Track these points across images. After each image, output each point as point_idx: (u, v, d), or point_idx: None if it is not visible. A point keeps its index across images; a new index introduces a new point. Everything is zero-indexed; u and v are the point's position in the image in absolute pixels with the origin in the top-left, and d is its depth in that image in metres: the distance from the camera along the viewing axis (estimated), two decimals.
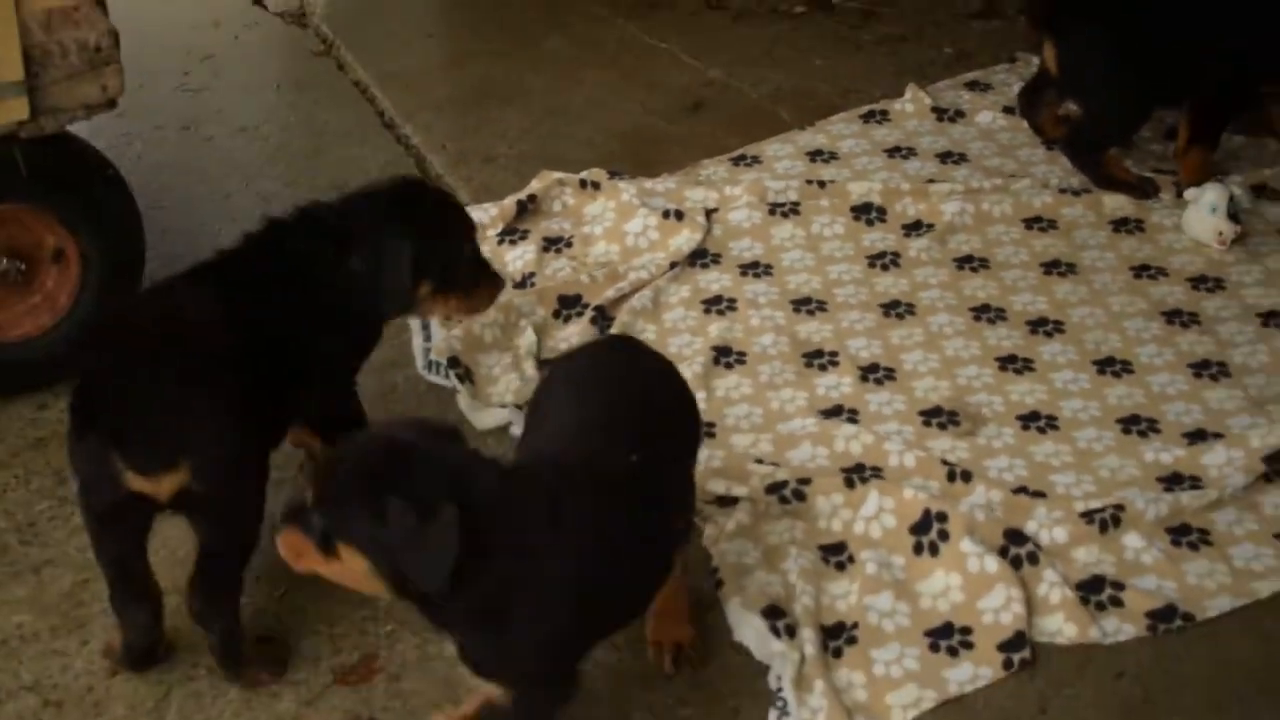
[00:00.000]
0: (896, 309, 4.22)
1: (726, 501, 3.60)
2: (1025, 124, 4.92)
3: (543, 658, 2.84)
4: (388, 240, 3.28)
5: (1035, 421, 3.84)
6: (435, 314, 3.67)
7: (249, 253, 3.34)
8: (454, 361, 3.99)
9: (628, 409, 3.04)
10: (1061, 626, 3.29)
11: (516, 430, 3.81)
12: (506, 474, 2.77)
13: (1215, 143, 4.64)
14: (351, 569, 2.65)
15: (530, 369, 3.97)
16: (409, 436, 2.73)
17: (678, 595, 3.26)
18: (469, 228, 3.54)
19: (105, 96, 3.77)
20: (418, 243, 3.32)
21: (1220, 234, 4.41)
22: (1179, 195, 4.57)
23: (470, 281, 3.49)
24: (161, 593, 3.19)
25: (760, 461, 3.68)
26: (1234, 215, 4.42)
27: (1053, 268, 4.37)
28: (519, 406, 3.85)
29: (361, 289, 3.30)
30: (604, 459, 2.88)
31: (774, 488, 3.59)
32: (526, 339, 4.06)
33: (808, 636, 3.23)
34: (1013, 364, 4.02)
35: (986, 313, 4.21)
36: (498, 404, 3.90)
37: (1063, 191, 4.63)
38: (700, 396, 3.86)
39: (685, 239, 4.40)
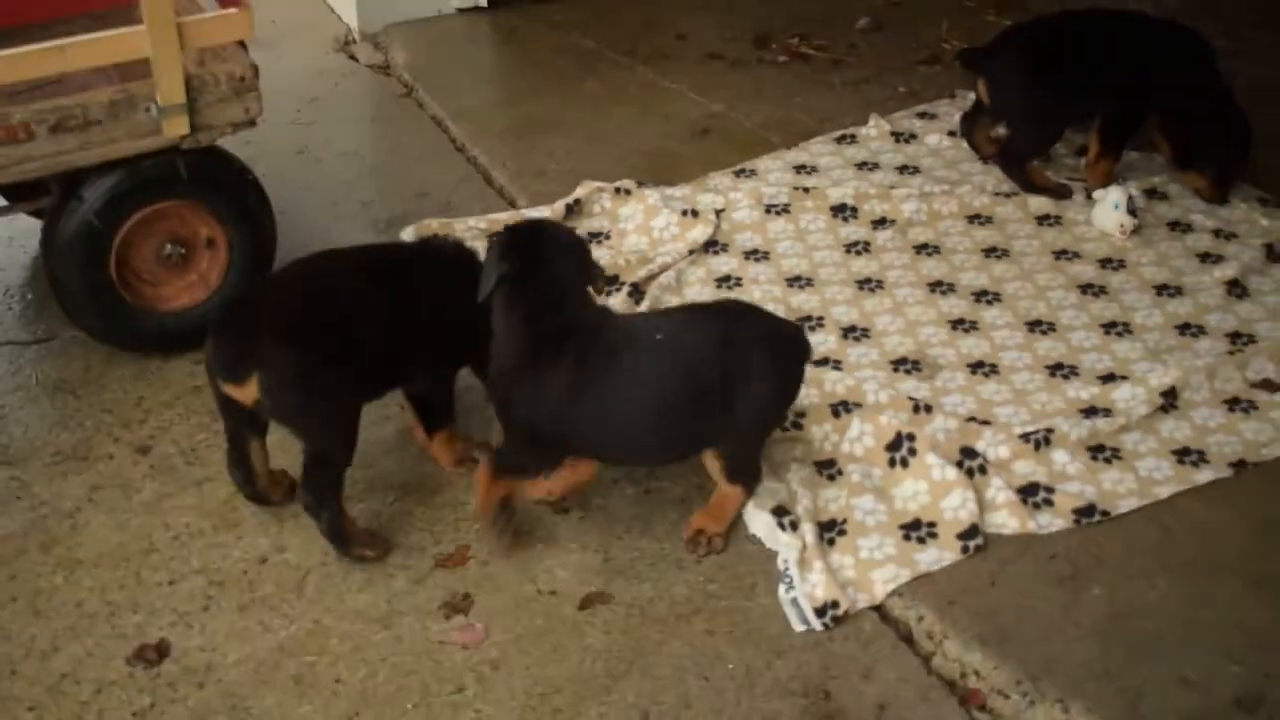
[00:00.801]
0: (869, 284, 4.26)
1: None
2: (965, 144, 4.93)
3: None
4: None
5: (981, 368, 3.90)
6: None
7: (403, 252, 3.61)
8: None
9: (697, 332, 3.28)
10: (1006, 520, 3.37)
11: None
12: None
13: (1118, 155, 4.68)
14: None
15: None
16: None
17: (723, 502, 3.37)
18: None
19: (248, 117, 3.82)
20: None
21: (1122, 226, 4.45)
22: (1088, 196, 4.60)
23: None
24: (258, 467, 3.38)
25: None
26: (1132, 211, 4.46)
27: (991, 252, 4.41)
28: None
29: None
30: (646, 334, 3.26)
31: None
32: None
33: (807, 529, 3.31)
34: (962, 325, 4.08)
35: (940, 286, 4.25)
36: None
37: (997, 195, 4.65)
38: None
39: (700, 232, 4.43)
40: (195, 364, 3.94)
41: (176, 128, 3.71)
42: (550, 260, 3.20)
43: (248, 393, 3.17)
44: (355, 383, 3.33)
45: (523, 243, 3.21)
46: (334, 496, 3.26)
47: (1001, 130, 4.81)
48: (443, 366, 3.54)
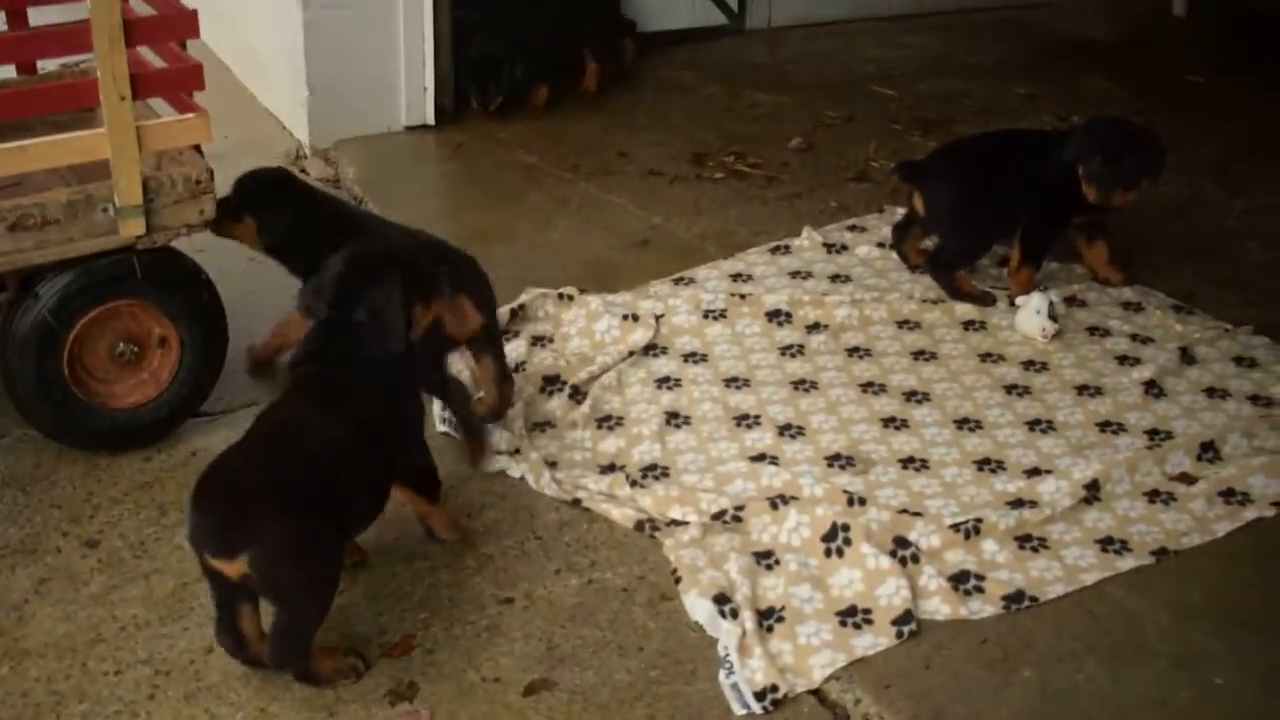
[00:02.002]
0: (804, 385, 4.33)
1: (681, 523, 3.68)
2: (894, 255, 5.05)
3: None
4: (372, 295, 3.31)
5: (912, 463, 3.96)
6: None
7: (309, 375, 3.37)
8: None
9: None
10: (939, 607, 3.40)
11: (512, 472, 3.92)
12: None
13: (1039, 264, 4.81)
14: None
15: (519, 429, 4.03)
16: None
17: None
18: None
19: (203, 219, 3.86)
20: (396, 278, 3.32)
21: (1044, 330, 4.56)
22: (1011, 303, 4.72)
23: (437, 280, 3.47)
24: (250, 633, 3.15)
25: (705, 492, 3.76)
26: (1053, 317, 4.57)
27: (919, 355, 4.50)
28: (510, 453, 3.96)
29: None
30: None
31: (718, 514, 3.68)
32: (516, 409, 4.11)
33: (747, 617, 3.32)
34: (893, 423, 4.15)
35: (872, 387, 4.32)
36: (496, 452, 3.98)
37: (924, 301, 4.76)
38: (656, 447, 4.01)
39: (640, 335, 4.48)
40: (144, 460, 3.94)
41: (133, 228, 3.74)
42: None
43: (235, 568, 3.00)
44: (345, 532, 3.25)
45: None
46: (308, 652, 3.13)
47: (933, 240, 4.92)
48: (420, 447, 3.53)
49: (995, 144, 4.99)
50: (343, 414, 3.22)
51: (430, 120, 6.16)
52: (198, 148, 3.95)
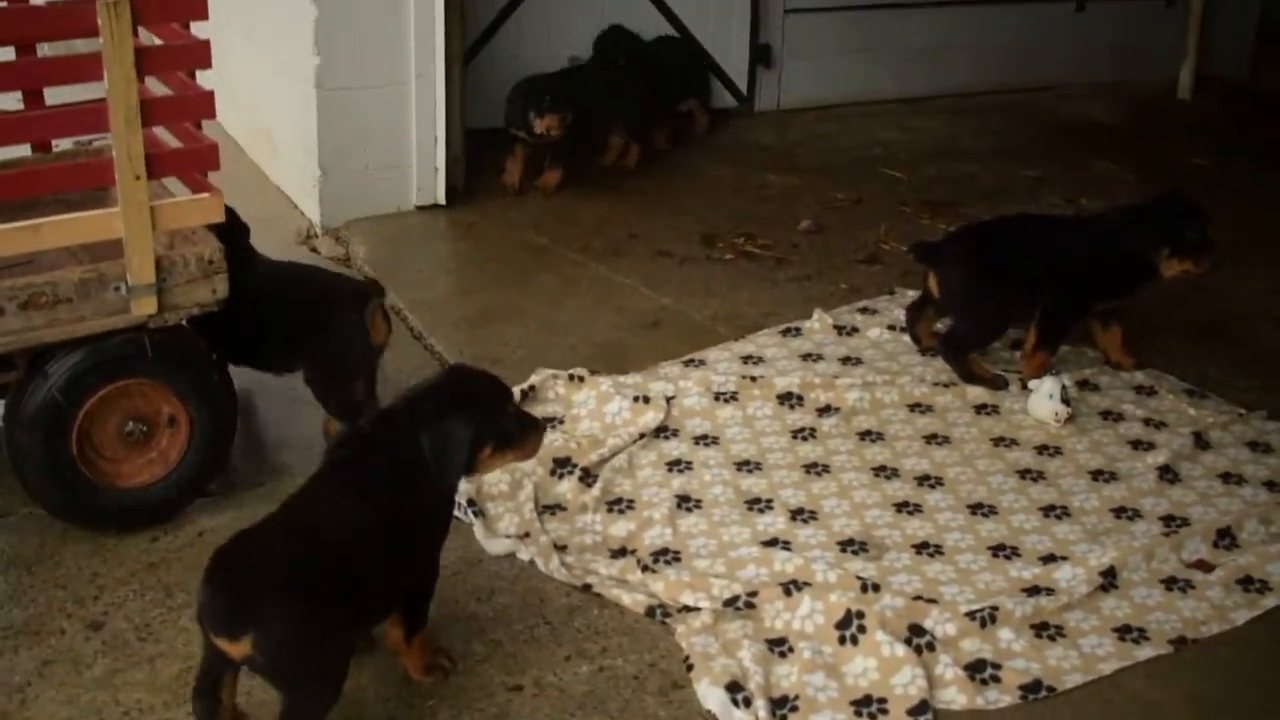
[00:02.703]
0: (816, 468, 4.29)
1: (693, 609, 3.62)
2: (905, 337, 5.03)
3: None
4: (448, 425, 3.19)
5: (926, 549, 3.91)
6: (497, 468, 3.50)
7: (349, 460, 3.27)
8: (471, 502, 4.01)
9: None
10: (955, 696, 3.34)
11: (522, 556, 3.87)
12: None
13: (1055, 349, 4.78)
14: None
15: (528, 512, 3.98)
16: None
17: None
18: (506, 393, 3.38)
19: (215, 298, 3.83)
20: (474, 421, 3.21)
21: (1056, 414, 4.53)
22: (1024, 386, 4.69)
23: (520, 434, 3.33)
24: (225, 702, 3.09)
25: (717, 578, 3.72)
26: (1066, 400, 4.54)
27: (932, 439, 4.47)
28: (520, 537, 3.91)
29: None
30: None
31: (730, 600, 3.62)
32: (526, 492, 4.08)
33: (760, 705, 3.26)
34: (906, 508, 4.11)
35: (884, 471, 4.28)
36: (503, 535, 3.94)
37: (936, 384, 4.73)
38: (667, 532, 3.97)
39: (651, 418, 4.45)
40: (151, 541, 3.90)
41: (144, 307, 3.72)
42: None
43: (239, 649, 2.94)
44: (356, 625, 3.19)
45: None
46: None
47: (946, 322, 4.90)
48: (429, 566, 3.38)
49: (1012, 227, 4.99)
50: (369, 504, 3.15)
51: (442, 200, 6.17)
52: (212, 227, 3.93)
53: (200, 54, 3.74)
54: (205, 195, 3.81)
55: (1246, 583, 3.80)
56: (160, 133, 3.89)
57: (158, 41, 3.88)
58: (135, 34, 3.58)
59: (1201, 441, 4.49)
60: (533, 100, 6.13)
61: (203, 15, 3.71)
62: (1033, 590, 3.71)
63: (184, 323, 3.85)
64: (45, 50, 4.32)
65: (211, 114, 3.80)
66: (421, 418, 3.19)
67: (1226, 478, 4.32)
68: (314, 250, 5.86)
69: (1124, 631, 3.59)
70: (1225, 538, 3.97)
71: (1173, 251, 4.64)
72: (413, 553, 3.25)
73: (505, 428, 3.28)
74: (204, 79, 3.97)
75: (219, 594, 2.96)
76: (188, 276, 3.77)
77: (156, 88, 3.91)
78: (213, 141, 3.82)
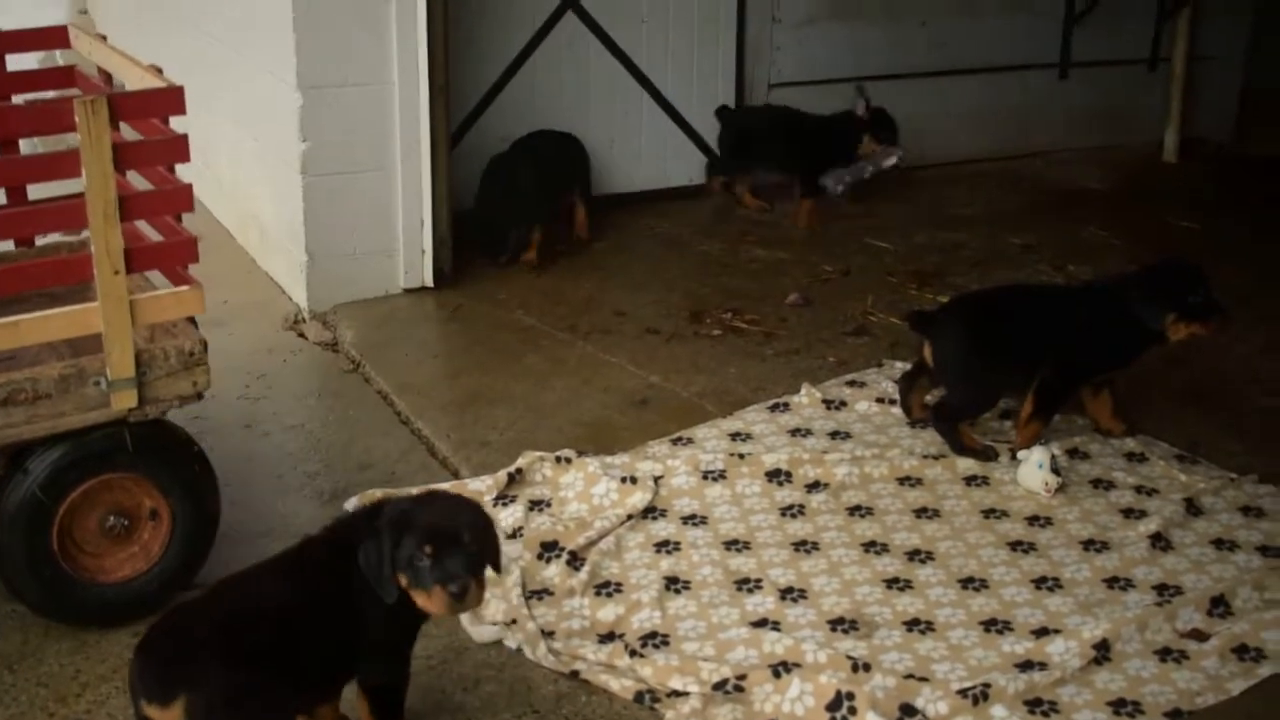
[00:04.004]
0: (805, 546, 4.26)
1: (682, 694, 3.58)
2: (894, 410, 5.03)
3: None
4: (374, 546, 3.11)
5: (917, 626, 3.87)
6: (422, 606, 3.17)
7: (309, 549, 3.27)
8: None
9: None
10: None
11: (509, 643, 3.84)
12: None
13: (1050, 419, 4.77)
14: None
15: (516, 598, 3.95)
16: None
17: None
18: (453, 535, 3.09)
19: (195, 390, 3.83)
20: (391, 551, 3.07)
21: (1047, 484, 4.51)
22: (1013, 457, 4.68)
23: (432, 583, 3.06)
24: None
25: (706, 661, 3.68)
26: (1056, 470, 4.53)
27: (922, 513, 4.45)
28: (507, 623, 3.88)
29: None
30: None
31: (719, 684, 3.58)
32: (514, 577, 4.03)
33: None
34: (897, 584, 4.07)
35: (874, 547, 4.26)
36: (490, 622, 3.89)
37: (925, 457, 4.71)
38: (656, 615, 3.93)
39: (639, 498, 4.44)
40: (134, 636, 3.81)
41: (125, 401, 3.72)
42: None
43: (171, 715, 2.91)
44: (291, 698, 3.15)
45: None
46: None
47: (938, 393, 4.90)
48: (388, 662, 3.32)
49: (1008, 297, 5.01)
50: (310, 583, 3.16)
51: (429, 282, 6.19)
52: (192, 319, 3.94)
53: (179, 149, 3.76)
54: (185, 288, 3.82)
55: (1241, 651, 3.76)
56: (142, 226, 3.91)
57: (137, 136, 3.90)
58: (116, 128, 3.61)
59: (1193, 508, 4.47)
60: None
61: (181, 110, 3.74)
62: (1025, 665, 3.68)
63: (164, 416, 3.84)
64: (37, 145, 4.36)
65: (190, 207, 3.81)
66: (368, 531, 3.14)
67: (1219, 544, 4.29)
68: (302, 336, 5.87)
69: (1118, 705, 3.55)
70: (1219, 606, 3.94)
71: (1179, 316, 4.64)
72: (352, 639, 3.18)
73: (417, 568, 3.07)
74: (192, 165, 3.98)
75: (151, 660, 2.98)
76: (168, 369, 3.77)
77: (138, 181, 3.95)
78: (192, 235, 3.84)
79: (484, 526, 3.19)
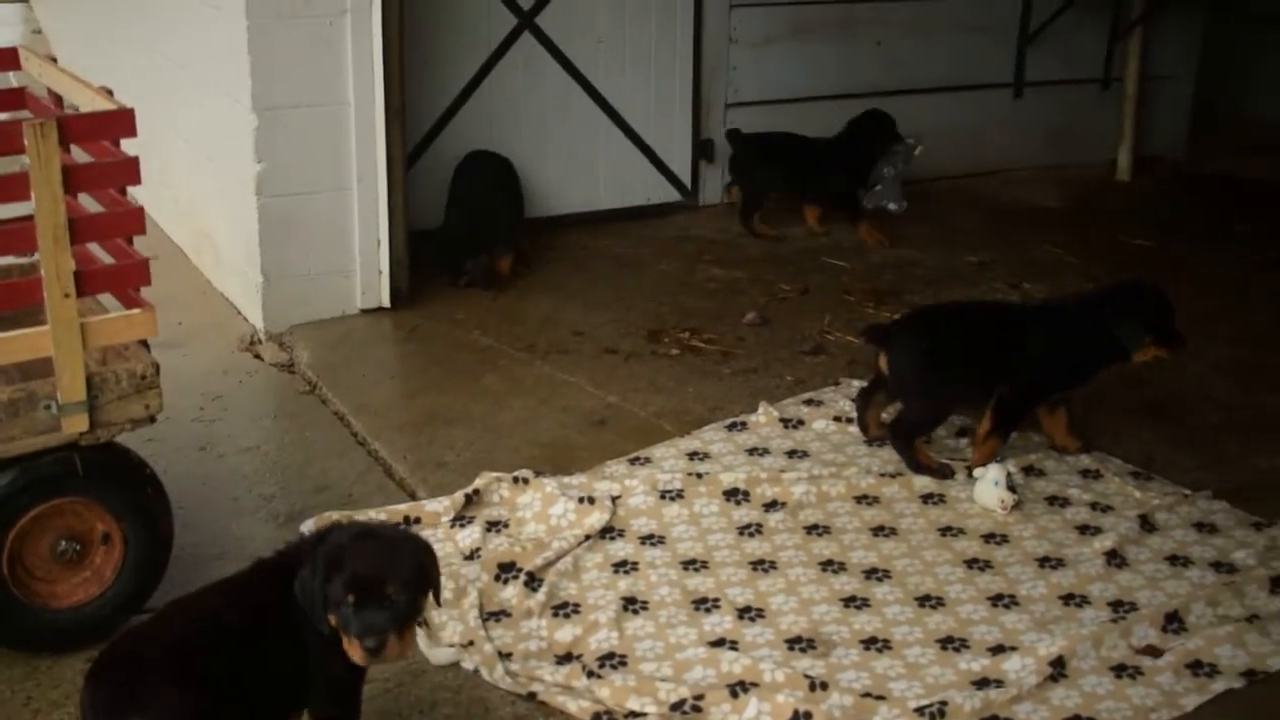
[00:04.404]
0: (763, 565, 4.27)
1: (639, 714, 3.57)
2: (851, 428, 5.04)
3: None
4: (309, 579, 3.05)
5: (874, 644, 3.88)
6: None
7: (259, 573, 3.24)
8: None
9: None
10: None
11: (466, 665, 3.82)
12: None
13: (1008, 436, 4.80)
14: None
15: (473, 620, 3.93)
16: None
17: None
18: (383, 578, 3.01)
19: (148, 413, 3.80)
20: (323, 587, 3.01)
21: (1003, 502, 4.54)
22: (969, 475, 4.71)
23: (353, 629, 3.00)
24: None
25: (664, 681, 3.67)
26: (1012, 488, 4.56)
27: (879, 531, 4.46)
28: (464, 645, 3.86)
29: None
30: None
31: (677, 704, 3.58)
32: (470, 599, 4.03)
33: None
34: (854, 602, 4.08)
35: (831, 565, 4.27)
36: (447, 644, 3.88)
37: (882, 475, 4.73)
38: (614, 635, 3.92)
39: (596, 519, 4.43)
40: (87, 662, 3.75)
41: (76, 425, 3.68)
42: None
43: None
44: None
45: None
46: None
47: (895, 408, 4.92)
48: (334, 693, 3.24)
49: (965, 312, 5.06)
50: (258, 607, 3.13)
51: (386, 303, 6.17)
52: (144, 341, 3.91)
53: (130, 171, 3.74)
54: (137, 311, 3.79)
55: (1196, 667, 3.79)
56: (94, 248, 3.88)
57: (89, 158, 3.88)
58: (66, 150, 3.59)
59: (1148, 524, 4.50)
60: None
61: (131, 133, 3.71)
62: (982, 682, 3.69)
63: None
64: None
65: (141, 230, 3.78)
66: (309, 558, 3.09)
67: (1174, 560, 4.32)
68: (258, 357, 5.84)
69: None
70: (1173, 622, 3.97)
71: (1154, 339, 4.70)
72: (300, 667, 3.14)
73: (343, 613, 3.00)
74: (147, 186, 3.95)
75: (102, 686, 2.94)
76: (120, 393, 3.74)
77: (89, 204, 3.92)
78: (144, 257, 3.81)
79: (415, 573, 3.08)
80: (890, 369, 4.82)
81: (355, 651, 3.00)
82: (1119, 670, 3.77)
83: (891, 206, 7.35)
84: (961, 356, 4.77)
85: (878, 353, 4.88)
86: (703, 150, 7.66)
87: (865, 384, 5.10)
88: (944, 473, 4.75)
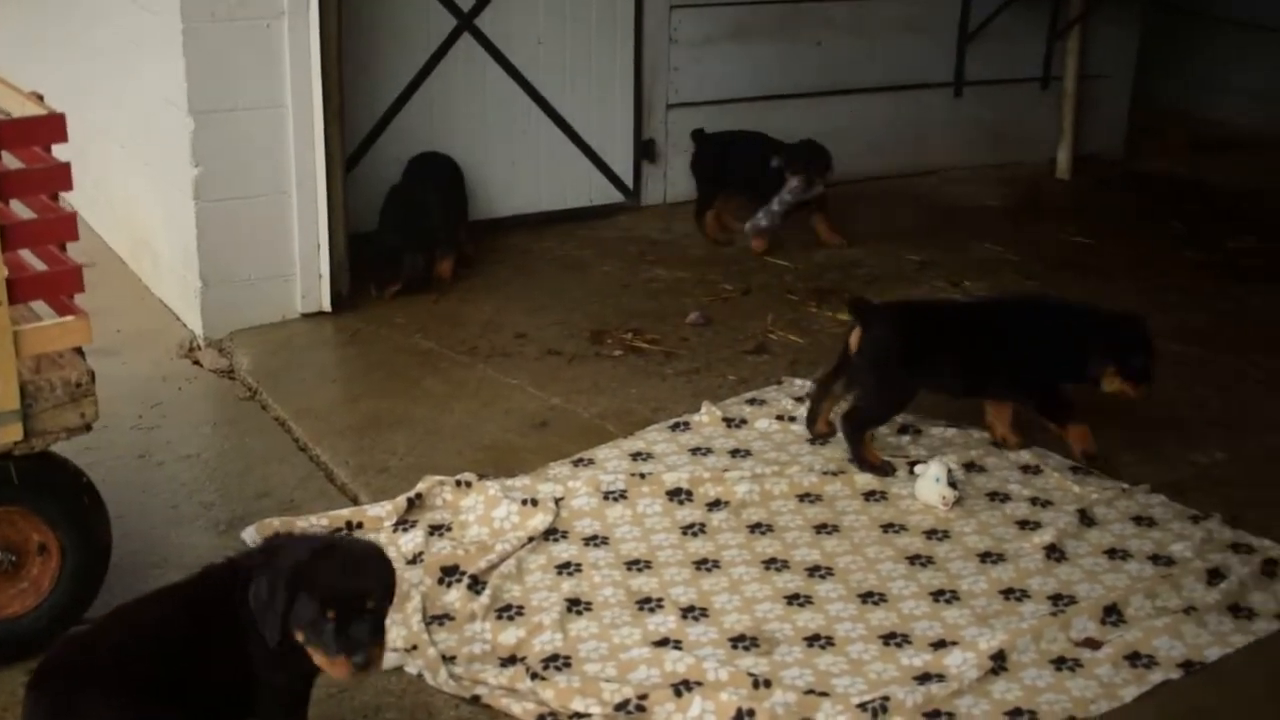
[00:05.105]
0: (706, 564, 4.30)
1: (584, 715, 3.59)
2: (794, 427, 5.09)
3: None
4: (270, 591, 3.03)
5: (818, 641, 3.92)
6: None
7: (205, 581, 3.23)
8: None
9: None
10: None
11: (410, 669, 3.83)
12: None
13: (1069, 419, 4.89)
14: None
15: (416, 624, 3.93)
16: None
17: None
18: (362, 592, 3.02)
19: (83, 422, 3.77)
20: (290, 599, 2.99)
21: (944, 498, 4.59)
22: (910, 472, 4.76)
23: (332, 647, 2.99)
24: None
25: (608, 682, 3.69)
26: (953, 484, 4.61)
27: (821, 529, 4.50)
28: (407, 649, 3.86)
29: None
30: None
31: (621, 704, 3.60)
32: (414, 603, 4.02)
33: None
34: (797, 600, 4.12)
35: (774, 564, 4.30)
36: (391, 648, 3.81)
37: (825, 473, 4.76)
38: (558, 637, 3.94)
39: (540, 520, 4.44)
40: (26, 674, 3.73)
41: (9, 434, 3.65)
42: None
43: None
44: None
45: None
46: None
47: (846, 403, 4.94)
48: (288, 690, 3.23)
49: (951, 312, 5.12)
50: (203, 617, 3.12)
51: (326, 307, 6.15)
52: (79, 350, 3.88)
53: (61, 176, 3.72)
54: (71, 318, 3.76)
55: (1134, 659, 3.85)
56: (26, 255, 3.85)
57: (19, 164, 3.85)
58: None
59: (1087, 518, 4.57)
60: None
61: (62, 138, 3.69)
62: (924, 677, 3.74)
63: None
64: None
65: (74, 236, 3.76)
66: (262, 568, 3.07)
67: (1112, 554, 4.39)
68: (197, 363, 5.81)
69: (1014, 715, 3.62)
70: (1112, 614, 4.03)
71: (1119, 372, 4.77)
72: (244, 678, 3.13)
73: (321, 630, 2.99)
74: (83, 190, 3.92)
75: (44, 695, 2.93)
76: (55, 401, 3.72)
77: (22, 210, 3.89)
78: (78, 264, 3.78)
79: (387, 583, 3.11)
80: (859, 349, 4.81)
81: (341, 669, 2.99)
82: (1059, 663, 3.83)
83: (764, 224, 7.18)
84: (933, 359, 4.81)
85: (853, 326, 4.86)
86: (645, 151, 7.68)
87: (826, 370, 5.05)
88: (885, 470, 4.79)
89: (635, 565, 4.29)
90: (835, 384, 4.98)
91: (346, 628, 2.97)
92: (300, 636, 3.02)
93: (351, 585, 3.02)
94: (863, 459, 4.79)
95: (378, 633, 3.04)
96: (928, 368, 4.83)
